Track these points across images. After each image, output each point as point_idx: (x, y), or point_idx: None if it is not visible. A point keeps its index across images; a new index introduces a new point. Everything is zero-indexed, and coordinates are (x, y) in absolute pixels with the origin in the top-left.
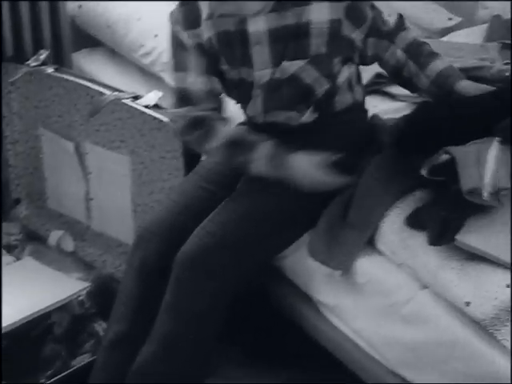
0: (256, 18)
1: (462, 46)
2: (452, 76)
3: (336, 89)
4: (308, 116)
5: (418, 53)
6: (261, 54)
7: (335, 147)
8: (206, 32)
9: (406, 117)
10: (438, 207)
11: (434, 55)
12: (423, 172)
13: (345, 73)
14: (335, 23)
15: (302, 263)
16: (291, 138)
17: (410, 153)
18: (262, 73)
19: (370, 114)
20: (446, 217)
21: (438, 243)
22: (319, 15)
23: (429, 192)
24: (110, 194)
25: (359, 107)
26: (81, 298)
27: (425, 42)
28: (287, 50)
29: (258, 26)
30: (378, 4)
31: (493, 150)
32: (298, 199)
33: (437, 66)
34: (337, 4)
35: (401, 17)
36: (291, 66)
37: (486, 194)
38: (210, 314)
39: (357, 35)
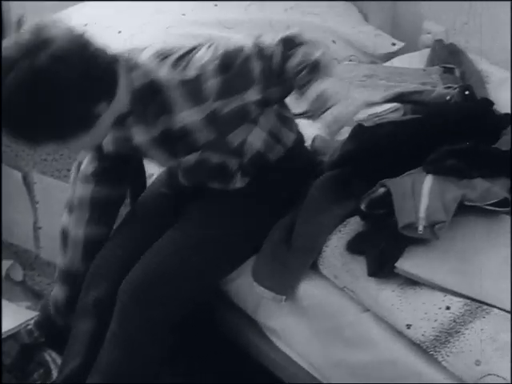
0: (135, 130)
1: (405, 70)
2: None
3: (254, 154)
4: (239, 182)
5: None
6: (157, 156)
7: (280, 190)
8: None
9: (347, 140)
10: (377, 236)
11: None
12: (362, 206)
13: (255, 137)
14: (210, 114)
15: (248, 287)
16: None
17: (352, 176)
18: (169, 165)
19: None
20: (384, 247)
21: (377, 274)
22: (191, 118)
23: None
24: (59, 222)
25: (295, 146)
26: (29, 327)
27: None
28: (178, 149)
29: (140, 138)
30: (321, 28)
31: (427, 182)
32: (239, 225)
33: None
34: (204, 105)
35: (286, 41)
36: (192, 157)
37: (421, 229)
38: (153, 341)
39: (248, 100)
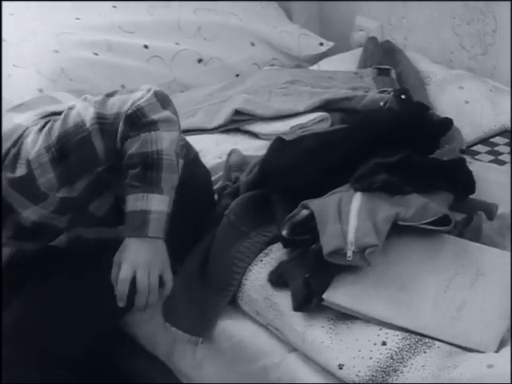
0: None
1: (333, 74)
2: None
3: None
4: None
5: None
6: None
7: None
8: None
9: (265, 155)
10: (301, 265)
11: None
12: (284, 232)
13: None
14: (60, 203)
15: (159, 329)
16: None
17: (272, 197)
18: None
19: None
20: (310, 277)
21: (303, 308)
22: (38, 213)
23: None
24: None
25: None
26: None
27: None
28: (43, 238)
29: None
30: (237, 29)
31: (355, 201)
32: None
33: None
34: (47, 200)
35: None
36: (64, 237)
37: (349, 255)
38: None
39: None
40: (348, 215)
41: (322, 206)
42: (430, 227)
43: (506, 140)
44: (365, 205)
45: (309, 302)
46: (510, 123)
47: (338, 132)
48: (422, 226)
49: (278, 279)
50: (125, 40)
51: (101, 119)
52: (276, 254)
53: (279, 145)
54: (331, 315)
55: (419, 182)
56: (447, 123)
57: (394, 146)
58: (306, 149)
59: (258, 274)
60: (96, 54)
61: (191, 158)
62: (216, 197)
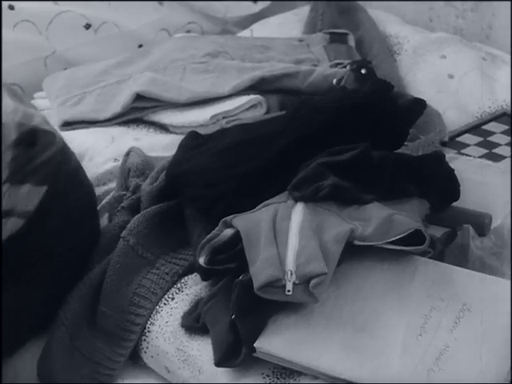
0: None
1: (271, 42)
2: None
3: None
4: None
5: None
6: None
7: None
8: None
9: (174, 155)
10: (225, 303)
11: None
12: (201, 260)
13: None
14: None
15: None
16: None
17: (185, 211)
18: None
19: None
20: (236, 320)
21: (228, 362)
22: None
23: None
24: None
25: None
26: None
27: None
28: None
29: None
30: None
31: (296, 216)
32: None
33: None
34: None
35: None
36: None
37: (289, 288)
38: None
39: None
40: (286, 234)
41: (250, 224)
42: (397, 247)
43: (505, 127)
44: (308, 220)
45: (236, 354)
46: (509, 102)
47: (273, 122)
48: (386, 247)
49: (194, 323)
50: None
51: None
52: (192, 289)
53: (193, 141)
54: (267, 370)
55: (382, 187)
56: (418, 106)
57: (348, 139)
58: (229, 146)
59: (167, 317)
60: None
61: (66, 172)
62: (107, 214)
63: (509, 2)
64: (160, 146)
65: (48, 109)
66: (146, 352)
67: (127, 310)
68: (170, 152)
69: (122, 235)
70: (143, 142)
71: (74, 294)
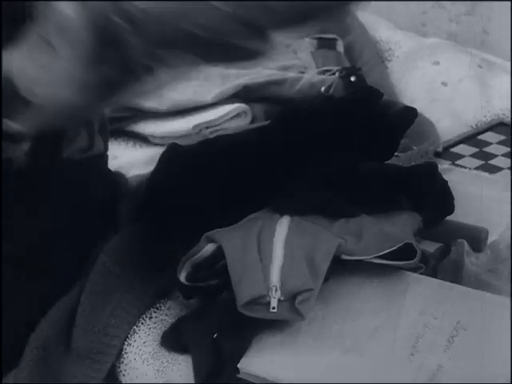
0: None
1: None
2: None
3: None
4: None
5: None
6: None
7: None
8: None
9: (155, 169)
10: (207, 321)
11: None
12: (181, 277)
13: None
14: None
15: None
16: None
17: (166, 227)
18: None
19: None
20: (218, 340)
21: None
22: None
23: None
24: None
25: None
26: None
27: None
28: None
29: None
30: None
31: (281, 229)
32: None
33: None
34: None
35: None
36: None
37: (274, 305)
38: None
39: None
40: (271, 249)
41: (233, 238)
42: (387, 262)
43: (502, 137)
44: (294, 234)
45: (219, 375)
46: (508, 112)
47: (258, 131)
48: (376, 261)
49: (174, 343)
50: None
51: None
52: (171, 310)
53: (173, 153)
54: None
55: (371, 200)
56: (409, 114)
57: (336, 150)
58: (210, 156)
59: (146, 337)
60: None
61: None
62: None
63: (506, 5)
64: (141, 161)
65: None
66: (123, 374)
67: (102, 331)
68: (152, 167)
69: (101, 254)
70: (122, 160)
71: (48, 317)
